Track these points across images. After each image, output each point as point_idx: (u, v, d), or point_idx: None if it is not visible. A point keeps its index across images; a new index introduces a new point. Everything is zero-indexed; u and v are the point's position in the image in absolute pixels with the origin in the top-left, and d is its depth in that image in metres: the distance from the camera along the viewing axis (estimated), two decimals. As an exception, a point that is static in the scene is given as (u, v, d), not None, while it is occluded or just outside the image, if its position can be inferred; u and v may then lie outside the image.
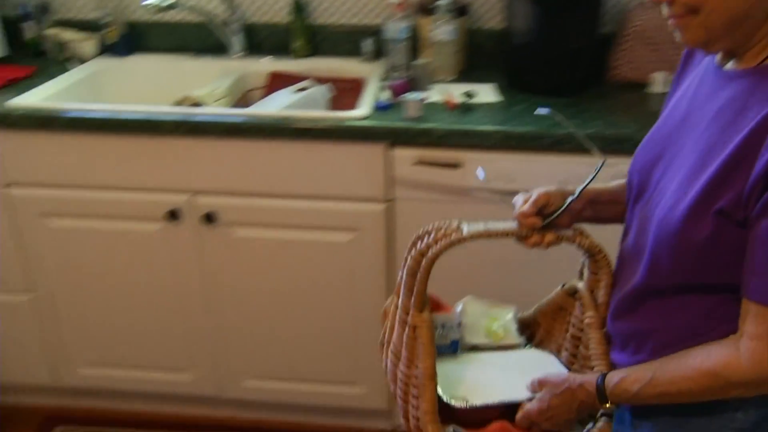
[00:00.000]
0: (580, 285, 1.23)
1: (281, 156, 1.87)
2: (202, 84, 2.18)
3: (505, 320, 1.34)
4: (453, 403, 1.14)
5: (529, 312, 1.36)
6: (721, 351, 0.96)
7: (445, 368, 1.22)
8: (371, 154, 1.85)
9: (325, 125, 1.82)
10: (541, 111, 1.26)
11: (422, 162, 1.83)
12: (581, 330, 1.23)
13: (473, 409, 1.15)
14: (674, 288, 1.03)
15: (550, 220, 1.13)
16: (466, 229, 1.11)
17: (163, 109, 1.91)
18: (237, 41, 2.32)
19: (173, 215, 1.94)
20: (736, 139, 0.92)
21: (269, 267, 2.00)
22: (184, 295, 2.06)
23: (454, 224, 1.12)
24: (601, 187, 1.23)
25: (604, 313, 1.19)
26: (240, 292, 2.05)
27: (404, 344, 1.14)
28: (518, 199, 1.17)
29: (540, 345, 1.33)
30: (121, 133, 1.88)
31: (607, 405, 1.07)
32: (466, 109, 1.92)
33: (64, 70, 2.22)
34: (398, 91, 1.96)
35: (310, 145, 1.85)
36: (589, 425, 1.12)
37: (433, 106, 1.93)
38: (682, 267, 1.00)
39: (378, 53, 2.28)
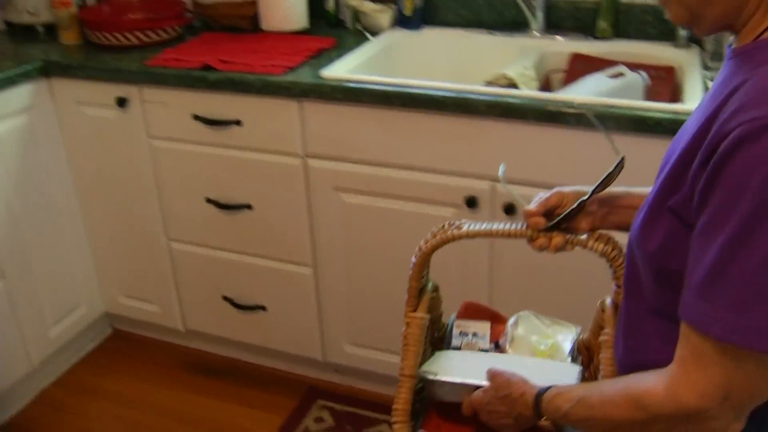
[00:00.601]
0: (608, 299, 1.13)
1: (598, 148, 1.69)
2: (497, 62, 2.04)
3: (557, 339, 1.19)
4: (423, 374, 1.14)
5: (586, 333, 1.24)
6: (653, 376, 0.84)
7: (455, 358, 1.20)
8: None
9: (657, 118, 1.61)
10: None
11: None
12: None
13: (443, 385, 1.13)
14: (646, 309, 0.92)
15: (556, 221, 1.07)
16: (466, 226, 1.09)
17: (477, 88, 1.78)
18: (539, 18, 2.14)
19: (471, 202, 1.82)
20: (695, 129, 0.81)
21: (569, 270, 1.82)
22: (466, 289, 1.95)
23: (458, 222, 1.11)
24: (639, 190, 1.11)
25: None
26: (528, 292, 1.90)
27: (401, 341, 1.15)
28: (536, 198, 1.11)
29: (597, 371, 1.17)
30: (426, 110, 1.78)
31: (544, 421, 0.99)
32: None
33: (360, 42, 2.16)
34: (733, 83, 1.71)
35: (634, 138, 1.65)
36: None
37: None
38: (641, 283, 0.90)
39: (694, 38, 2.02)
